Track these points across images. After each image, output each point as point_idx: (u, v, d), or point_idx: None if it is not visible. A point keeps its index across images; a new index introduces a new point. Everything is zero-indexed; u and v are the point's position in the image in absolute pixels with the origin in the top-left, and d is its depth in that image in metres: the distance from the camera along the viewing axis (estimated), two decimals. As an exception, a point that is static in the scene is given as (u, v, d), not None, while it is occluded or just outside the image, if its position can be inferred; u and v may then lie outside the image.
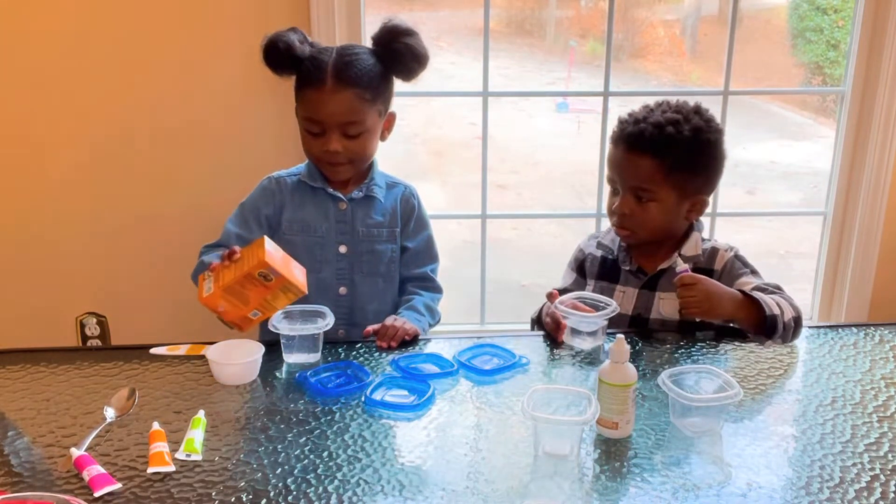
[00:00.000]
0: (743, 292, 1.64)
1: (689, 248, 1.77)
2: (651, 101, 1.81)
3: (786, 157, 6.12)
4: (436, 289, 1.93)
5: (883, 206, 2.48)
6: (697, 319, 1.69)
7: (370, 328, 1.71)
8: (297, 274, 1.55)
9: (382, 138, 1.85)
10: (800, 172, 5.91)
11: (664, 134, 1.70)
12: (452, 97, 7.03)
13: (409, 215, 1.90)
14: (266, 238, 1.55)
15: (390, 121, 1.85)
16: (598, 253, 1.87)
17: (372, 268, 1.85)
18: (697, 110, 1.75)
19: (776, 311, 1.60)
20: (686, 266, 1.65)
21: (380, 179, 1.88)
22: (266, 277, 1.49)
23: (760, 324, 1.60)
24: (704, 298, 1.61)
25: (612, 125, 2.42)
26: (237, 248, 1.57)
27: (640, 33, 7.95)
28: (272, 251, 1.52)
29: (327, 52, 1.77)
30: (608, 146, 1.81)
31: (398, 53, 1.77)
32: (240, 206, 1.87)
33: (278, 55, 1.75)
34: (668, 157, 1.70)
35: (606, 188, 2.54)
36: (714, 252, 1.78)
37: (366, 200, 1.85)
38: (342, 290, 1.84)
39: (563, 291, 1.80)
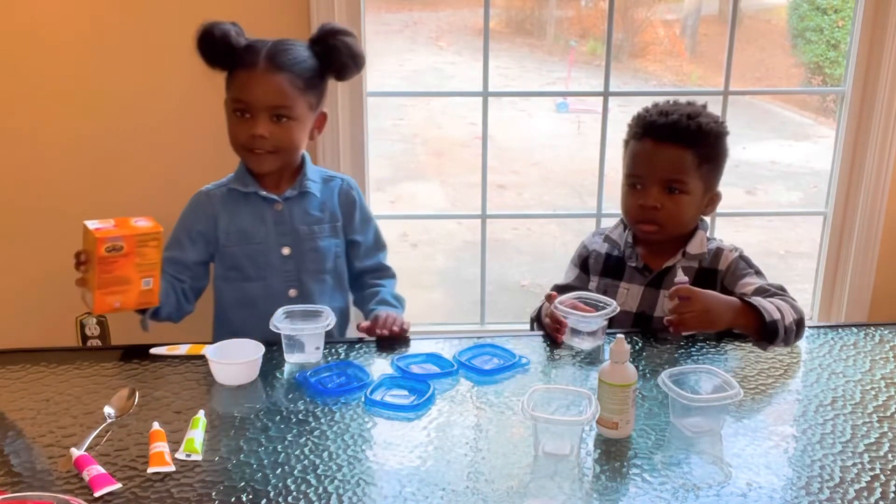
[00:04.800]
0: (742, 299, 1.63)
1: (694, 246, 1.77)
2: (653, 100, 1.83)
3: (786, 157, 6.13)
4: (391, 275, 1.95)
5: (883, 206, 2.48)
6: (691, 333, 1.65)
7: (362, 324, 1.71)
8: (141, 224, 1.51)
9: (311, 137, 1.83)
10: (800, 172, 5.92)
11: (696, 124, 1.72)
12: (452, 97, 7.05)
13: (352, 208, 1.89)
14: (86, 222, 1.50)
15: (322, 120, 1.84)
16: (603, 249, 1.87)
17: (318, 266, 1.84)
18: (705, 107, 1.81)
19: (776, 315, 1.59)
20: (685, 278, 1.64)
21: (313, 174, 1.86)
22: (116, 249, 1.47)
23: (761, 330, 1.60)
24: (703, 311, 1.58)
25: (612, 125, 2.43)
26: (78, 250, 1.53)
27: (640, 33, 7.96)
28: (101, 225, 1.48)
29: (264, 41, 1.77)
30: (630, 142, 1.80)
31: (335, 49, 1.77)
32: (173, 229, 1.83)
33: (213, 43, 1.74)
34: (701, 147, 1.73)
35: (607, 188, 2.54)
36: (719, 252, 1.78)
37: (301, 197, 1.83)
38: (292, 292, 1.83)
39: (565, 287, 1.81)
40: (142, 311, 1.65)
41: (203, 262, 1.84)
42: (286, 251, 1.81)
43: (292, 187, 1.82)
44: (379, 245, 1.95)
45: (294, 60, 1.74)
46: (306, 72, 1.76)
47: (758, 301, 1.61)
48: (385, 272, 1.95)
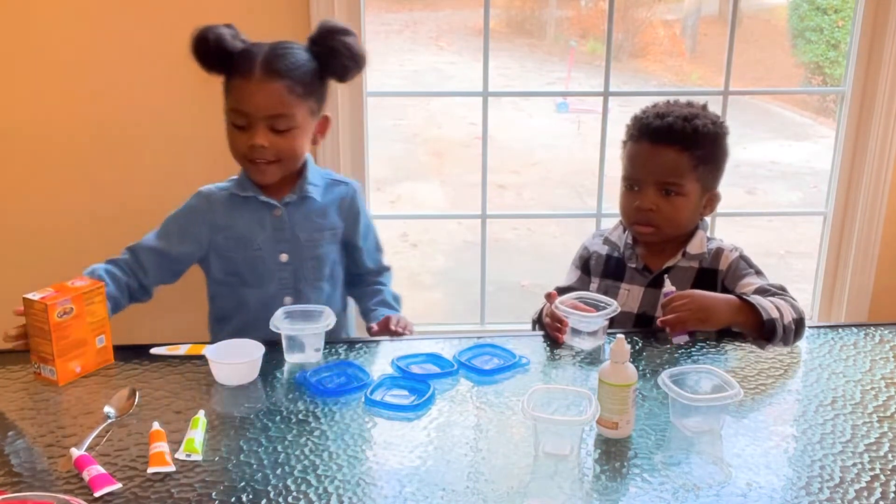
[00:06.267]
0: (740, 297, 1.63)
1: (694, 246, 1.77)
2: (652, 101, 1.83)
3: (786, 157, 6.14)
4: (388, 268, 1.99)
5: (883, 206, 2.48)
6: (683, 343, 1.63)
7: (374, 326, 1.73)
8: (79, 283, 1.52)
9: (314, 142, 1.79)
10: (800, 172, 5.92)
11: (692, 126, 1.72)
12: (452, 97, 7.05)
13: (355, 217, 1.86)
14: (24, 296, 1.47)
15: (324, 124, 1.79)
16: (604, 250, 1.87)
17: (316, 273, 1.81)
18: (704, 107, 1.80)
19: (774, 314, 1.59)
20: (673, 288, 1.63)
21: (315, 178, 1.81)
22: (67, 312, 1.47)
23: (760, 328, 1.59)
24: (699, 308, 1.58)
25: (612, 125, 2.42)
26: (11, 331, 1.52)
27: (640, 33, 7.97)
28: (43, 294, 1.46)
29: (260, 45, 1.72)
30: (627, 144, 1.80)
31: (334, 51, 1.72)
32: (165, 220, 1.80)
33: (207, 48, 1.69)
34: (697, 149, 1.72)
35: (607, 188, 2.54)
36: (719, 252, 1.78)
37: (301, 203, 1.78)
38: (287, 299, 1.79)
39: (566, 289, 1.81)
40: None
41: (185, 260, 1.81)
42: (284, 258, 1.78)
43: (292, 192, 1.77)
44: (379, 248, 1.96)
45: (292, 65, 1.68)
46: (305, 76, 1.70)
47: (756, 299, 1.61)
48: (384, 270, 1.97)
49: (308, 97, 1.71)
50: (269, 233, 1.77)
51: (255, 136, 1.67)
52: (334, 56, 1.72)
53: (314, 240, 1.79)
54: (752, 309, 1.59)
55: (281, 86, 1.67)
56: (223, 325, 1.84)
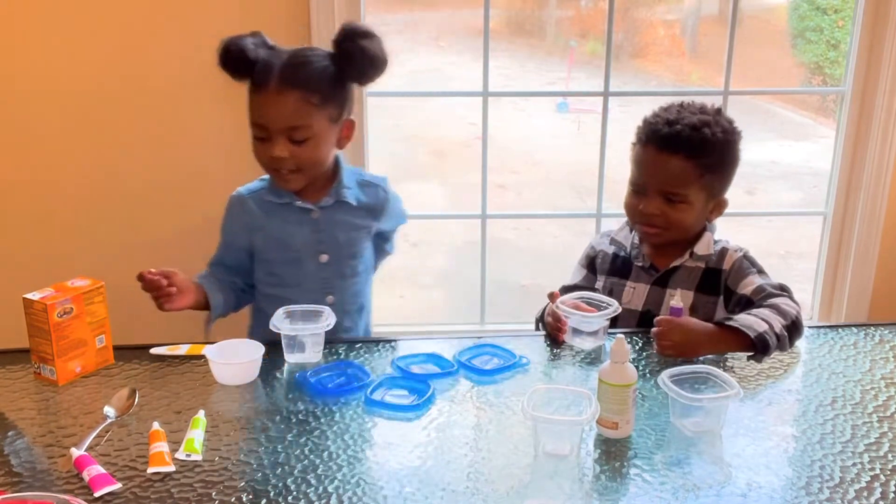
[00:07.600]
0: (720, 324, 1.60)
1: (702, 248, 1.77)
2: (664, 101, 1.81)
3: (786, 157, 6.13)
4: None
5: (883, 206, 2.48)
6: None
7: None
8: (79, 283, 1.52)
9: (340, 146, 1.78)
10: (800, 172, 5.92)
11: (700, 135, 1.70)
12: (452, 97, 7.04)
13: (385, 213, 1.86)
14: (24, 296, 1.48)
15: (349, 128, 1.76)
16: (611, 250, 1.86)
17: (354, 270, 1.83)
18: (719, 111, 1.77)
19: (761, 328, 1.56)
20: (681, 305, 1.63)
21: (349, 180, 1.81)
22: (67, 312, 1.48)
23: (751, 346, 1.57)
24: (681, 343, 1.58)
25: (612, 125, 2.42)
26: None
27: (640, 33, 7.96)
28: (43, 294, 1.47)
29: (281, 55, 1.70)
30: (636, 146, 1.79)
31: (350, 55, 1.69)
32: (220, 233, 1.84)
33: (230, 59, 1.68)
34: (703, 158, 1.70)
35: (607, 188, 2.54)
36: (724, 252, 1.78)
37: (338, 206, 1.78)
38: (329, 298, 1.79)
39: (572, 287, 1.80)
40: (207, 322, 1.76)
41: (249, 262, 1.84)
42: (324, 258, 1.79)
43: (328, 195, 1.77)
44: (400, 215, 1.94)
45: (307, 75, 1.67)
46: (322, 84, 1.67)
47: (738, 320, 1.58)
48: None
49: (326, 105, 1.69)
50: (307, 235, 1.78)
51: (274, 147, 1.67)
52: (351, 60, 1.70)
53: (352, 239, 1.81)
54: (738, 332, 1.57)
55: (296, 97, 1.65)
56: (264, 320, 1.80)
